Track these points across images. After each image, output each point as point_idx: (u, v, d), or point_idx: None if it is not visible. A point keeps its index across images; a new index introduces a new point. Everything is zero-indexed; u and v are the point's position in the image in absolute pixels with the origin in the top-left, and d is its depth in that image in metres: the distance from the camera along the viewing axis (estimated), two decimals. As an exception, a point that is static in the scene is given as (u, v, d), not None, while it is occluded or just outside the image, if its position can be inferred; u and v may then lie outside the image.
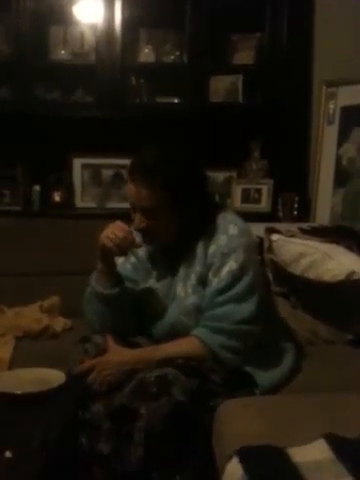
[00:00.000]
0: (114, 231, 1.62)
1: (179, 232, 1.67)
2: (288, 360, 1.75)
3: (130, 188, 1.64)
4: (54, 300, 2.27)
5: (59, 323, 2.18)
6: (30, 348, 2.00)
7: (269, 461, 1.21)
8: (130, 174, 1.64)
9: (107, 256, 1.66)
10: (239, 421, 1.43)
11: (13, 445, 1.30)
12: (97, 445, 1.50)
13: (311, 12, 2.80)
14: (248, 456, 1.23)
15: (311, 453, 1.23)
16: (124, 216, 1.70)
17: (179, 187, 1.61)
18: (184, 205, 1.63)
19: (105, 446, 1.49)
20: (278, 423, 1.38)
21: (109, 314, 1.69)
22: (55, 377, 1.58)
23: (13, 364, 1.86)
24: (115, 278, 1.69)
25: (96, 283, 1.69)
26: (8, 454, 1.25)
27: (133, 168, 1.64)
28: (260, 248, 2.12)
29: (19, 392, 1.51)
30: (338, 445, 1.24)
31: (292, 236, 2.13)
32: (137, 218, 1.65)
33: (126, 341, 1.69)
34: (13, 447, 1.28)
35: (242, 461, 1.22)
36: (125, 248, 1.64)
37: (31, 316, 2.17)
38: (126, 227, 1.64)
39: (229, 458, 1.26)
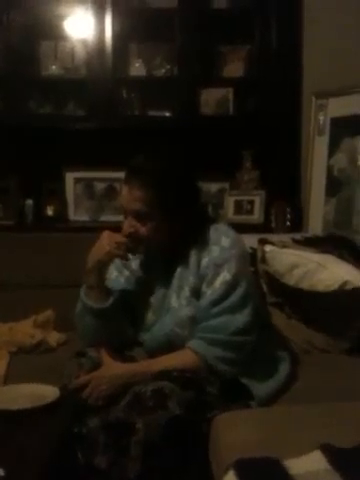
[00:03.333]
0: (113, 239, 1.64)
1: (170, 242, 1.68)
2: (284, 370, 1.75)
3: (124, 191, 1.66)
4: (48, 314, 2.26)
5: (53, 337, 2.17)
6: (24, 363, 1.99)
7: (266, 473, 1.21)
8: (125, 177, 1.66)
9: (104, 269, 1.67)
10: (235, 433, 1.42)
11: (7, 462, 1.28)
12: (94, 459, 1.49)
13: (300, 24, 2.82)
14: (244, 468, 1.23)
15: (308, 464, 1.22)
16: (117, 229, 1.70)
17: (172, 191, 1.62)
18: (175, 212, 1.63)
19: (102, 460, 1.48)
20: (274, 434, 1.38)
21: (103, 328, 1.69)
22: (50, 392, 1.58)
23: (8, 379, 1.85)
24: (106, 291, 1.69)
25: (88, 299, 1.68)
26: (1, 472, 1.24)
27: (128, 171, 1.67)
28: (253, 259, 2.12)
29: (14, 408, 1.51)
30: (334, 456, 1.23)
31: (285, 247, 2.13)
32: (127, 223, 1.66)
33: (121, 355, 1.69)
34: (7, 464, 1.27)
35: (239, 474, 1.21)
36: (133, 248, 1.65)
37: (25, 331, 2.17)
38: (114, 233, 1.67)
39: (226, 471, 1.26)
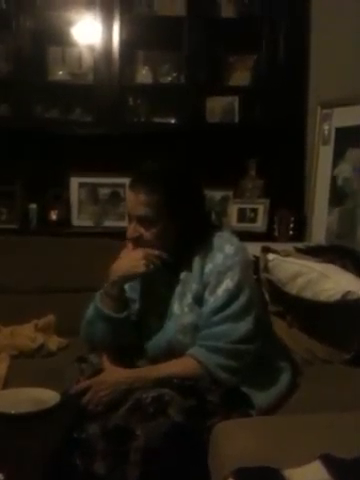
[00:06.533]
0: (138, 257, 1.63)
1: (174, 248, 1.68)
2: (285, 380, 1.74)
3: (129, 196, 1.67)
4: (49, 319, 2.26)
5: (54, 342, 2.17)
6: (25, 367, 1.99)
7: (265, 483, 1.20)
8: (131, 182, 1.67)
9: (125, 284, 1.68)
10: (235, 442, 1.42)
11: (7, 466, 1.28)
12: (93, 465, 1.49)
13: (307, 34, 2.84)
14: (244, 477, 1.22)
15: (307, 475, 1.22)
16: (120, 235, 1.71)
17: (178, 197, 1.63)
18: (180, 217, 1.64)
19: (101, 466, 1.48)
20: (274, 444, 1.38)
21: (113, 334, 1.69)
22: (50, 397, 1.57)
23: (8, 383, 1.85)
24: (124, 301, 1.70)
25: (105, 306, 1.67)
26: (1, 476, 1.24)
27: (135, 176, 1.67)
28: (256, 267, 2.12)
29: (14, 412, 1.51)
30: (334, 466, 1.23)
31: (288, 256, 2.13)
32: (131, 227, 1.66)
33: (123, 361, 1.69)
34: (7, 468, 1.27)
35: (238, 482, 1.21)
36: (153, 261, 1.66)
37: (26, 335, 2.16)
38: (137, 249, 1.66)
39: (225, 479, 1.25)
